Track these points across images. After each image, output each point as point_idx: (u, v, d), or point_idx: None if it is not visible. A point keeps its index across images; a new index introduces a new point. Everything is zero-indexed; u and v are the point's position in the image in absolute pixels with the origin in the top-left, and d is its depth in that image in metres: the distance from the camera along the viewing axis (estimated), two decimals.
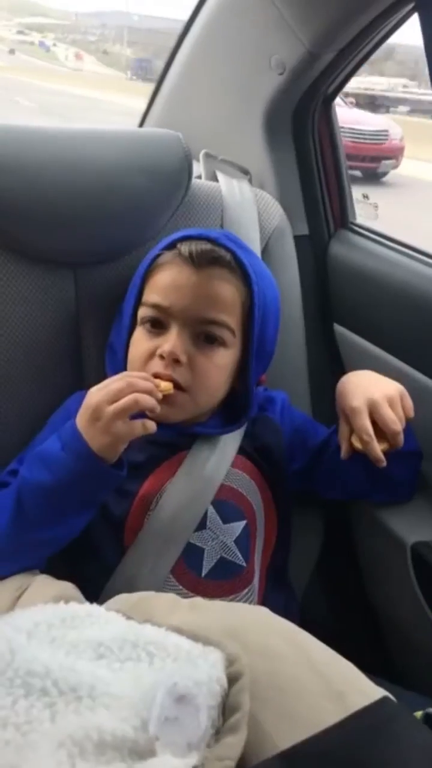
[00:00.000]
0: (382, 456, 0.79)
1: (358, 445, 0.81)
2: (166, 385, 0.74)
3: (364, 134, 6.71)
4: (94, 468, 0.69)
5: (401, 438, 0.80)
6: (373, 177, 6.91)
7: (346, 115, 6.72)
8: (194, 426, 0.83)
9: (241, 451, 0.85)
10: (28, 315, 0.87)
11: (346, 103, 7.09)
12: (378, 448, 0.79)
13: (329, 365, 1.11)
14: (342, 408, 0.84)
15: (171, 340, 0.76)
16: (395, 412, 0.80)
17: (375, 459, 0.79)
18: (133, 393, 0.68)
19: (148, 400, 0.69)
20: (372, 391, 0.82)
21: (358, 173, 6.59)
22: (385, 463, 0.79)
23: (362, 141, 6.71)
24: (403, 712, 0.41)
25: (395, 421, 0.79)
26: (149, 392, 0.69)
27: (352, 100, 8.35)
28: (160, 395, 0.71)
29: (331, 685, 0.42)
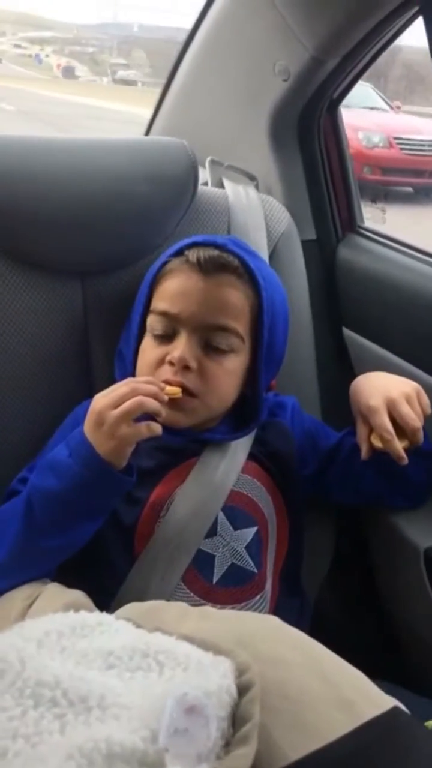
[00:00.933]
0: (403, 453, 0.78)
1: (378, 444, 0.80)
2: (173, 389, 0.74)
3: (423, 145, 5.43)
4: (101, 473, 0.69)
5: (421, 434, 0.79)
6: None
7: (395, 122, 5.77)
8: (204, 432, 0.82)
9: (252, 456, 0.84)
10: (36, 324, 0.88)
11: (392, 107, 6.18)
12: (399, 446, 0.78)
13: (338, 369, 1.11)
14: (359, 408, 0.84)
15: (180, 347, 0.76)
16: (413, 409, 0.80)
17: (397, 457, 0.78)
18: (137, 396, 0.68)
19: (153, 404, 0.69)
20: (389, 389, 0.81)
21: (409, 189, 5.53)
22: (407, 461, 0.78)
23: (420, 153, 5.39)
24: (414, 723, 0.40)
25: (414, 418, 0.78)
26: (154, 396, 0.69)
27: (399, 104, 7.12)
28: (165, 398, 0.71)
29: (341, 695, 0.42)
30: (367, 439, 0.82)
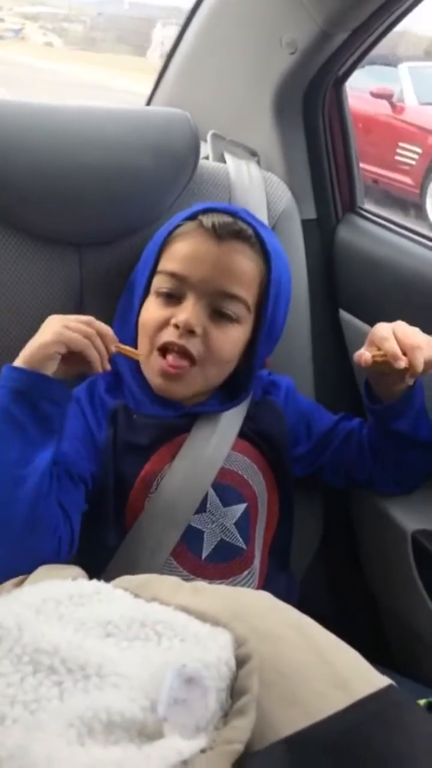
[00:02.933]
0: (400, 353, 0.73)
1: (377, 352, 0.75)
2: (133, 352, 0.74)
3: None
4: (16, 375, 0.68)
5: (420, 357, 0.73)
6: None
7: None
8: (194, 406, 0.82)
9: (243, 434, 0.84)
10: (32, 294, 0.87)
11: None
12: (396, 346, 0.73)
13: (334, 351, 1.10)
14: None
15: (187, 310, 0.75)
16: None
17: (393, 357, 0.73)
18: (86, 340, 0.68)
19: (93, 354, 0.69)
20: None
21: None
22: (404, 362, 0.73)
23: None
24: (408, 701, 0.41)
25: (416, 338, 0.75)
26: (100, 359, 0.69)
27: None
28: (108, 367, 0.71)
29: (336, 672, 0.42)
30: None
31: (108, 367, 0.71)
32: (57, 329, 0.69)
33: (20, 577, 0.57)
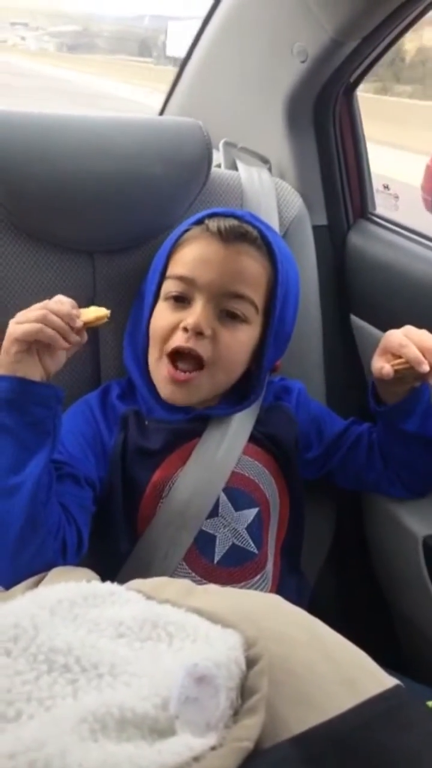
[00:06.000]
0: (422, 358, 0.74)
1: (395, 361, 0.76)
2: (97, 311, 0.72)
3: None
4: (7, 384, 0.68)
5: None
6: None
7: None
8: (204, 410, 0.83)
9: (253, 439, 0.85)
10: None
11: None
12: (417, 351, 0.74)
13: (345, 357, 1.11)
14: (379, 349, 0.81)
15: (195, 313, 0.76)
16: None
17: (416, 362, 0.74)
18: (39, 325, 0.67)
19: (50, 334, 0.67)
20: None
21: None
22: (427, 367, 0.74)
23: None
24: (416, 702, 0.41)
25: (427, 335, 0.76)
26: (63, 331, 0.68)
27: None
28: (76, 338, 0.70)
29: (344, 672, 0.42)
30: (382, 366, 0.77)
31: (73, 340, 0.69)
32: (9, 330, 0.68)
33: (35, 578, 0.58)
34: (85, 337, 0.71)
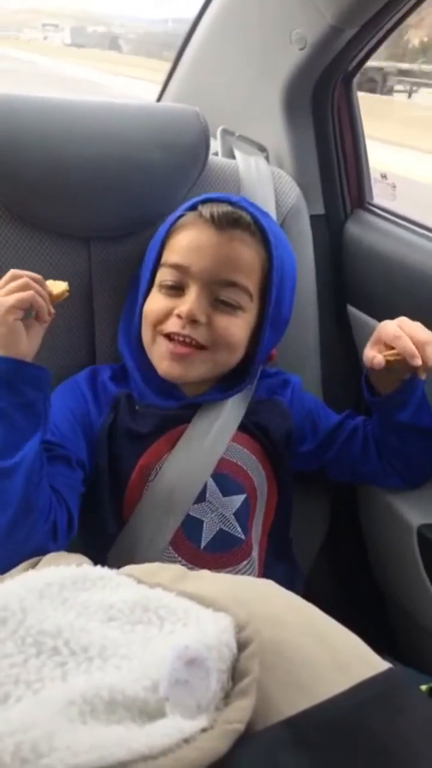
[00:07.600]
0: (415, 350, 0.74)
1: (388, 353, 0.76)
2: (59, 285, 0.73)
3: None
4: (2, 364, 0.67)
5: (431, 349, 0.75)
6: None
7: None
8: (196, 397, 0.83)
9: (243, 428, 0.85)
10: None
11: None
12: (411, 344, 0.74)
13: (341, 346, 1.11)
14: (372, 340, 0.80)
15: (189, 301, 0.76)
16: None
17: (410, 355, 0.74)
18: (28, 292, 0.68)
19: (40, 302, 0.68)
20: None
21: None
22: (419, 360, 0.74)
23: None
24: (409, 684, 0.41)
25: (424, 333, 0.75)
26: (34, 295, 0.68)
27: None
28: (45, 306, 0.70)
29: (336, 656, 0.42)
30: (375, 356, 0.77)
31: (53, 310, 0.70)
32: (0, 300, 0.68)
33: (30, 562, 0.57)
34: (53, 310, 0.71)
